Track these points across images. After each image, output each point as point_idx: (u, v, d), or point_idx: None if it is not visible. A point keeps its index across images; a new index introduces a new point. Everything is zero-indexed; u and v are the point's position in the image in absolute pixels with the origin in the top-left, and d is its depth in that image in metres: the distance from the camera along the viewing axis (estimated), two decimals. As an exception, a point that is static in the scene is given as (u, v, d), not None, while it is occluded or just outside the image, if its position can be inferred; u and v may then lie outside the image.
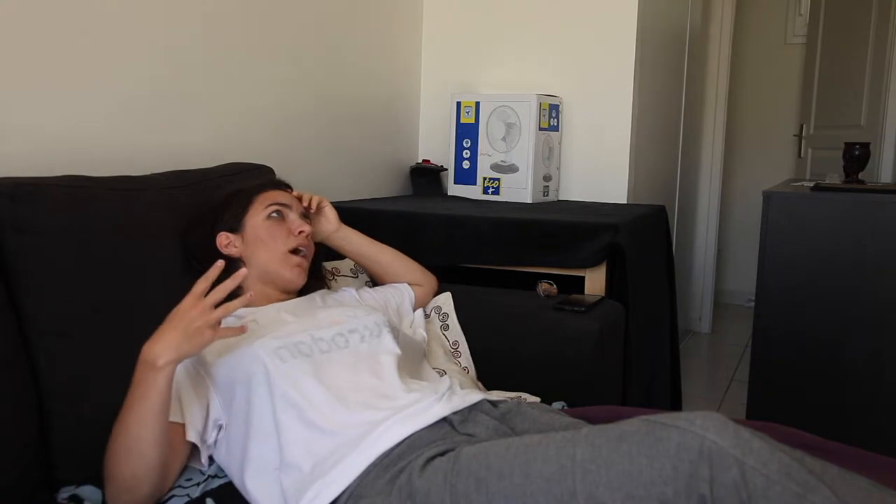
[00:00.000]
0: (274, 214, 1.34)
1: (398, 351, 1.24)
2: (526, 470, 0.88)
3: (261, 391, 1.10)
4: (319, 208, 1.52)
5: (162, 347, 0.98)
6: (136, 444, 0.99)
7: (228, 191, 1.40)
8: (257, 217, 1.33)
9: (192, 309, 1.00)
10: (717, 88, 3.76)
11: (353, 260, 1.61)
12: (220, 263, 1.05)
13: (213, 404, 1.14)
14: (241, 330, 1.05)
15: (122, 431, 1.00)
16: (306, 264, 1.35)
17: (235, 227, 1.33)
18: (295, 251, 1.33)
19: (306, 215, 1.41)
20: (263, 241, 1.31)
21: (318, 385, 1.10)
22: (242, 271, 1.07)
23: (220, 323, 1.02)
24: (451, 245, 1.83)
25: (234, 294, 1.27)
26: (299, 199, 1.47)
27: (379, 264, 1.59)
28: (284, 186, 1.44)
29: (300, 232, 1.33)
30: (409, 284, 1.60)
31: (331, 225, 1.54)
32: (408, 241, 1.81)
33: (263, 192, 1.37)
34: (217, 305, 1.03)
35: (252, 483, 1.08)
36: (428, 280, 1.64)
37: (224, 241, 1.32)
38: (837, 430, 1.98)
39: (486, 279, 2.02)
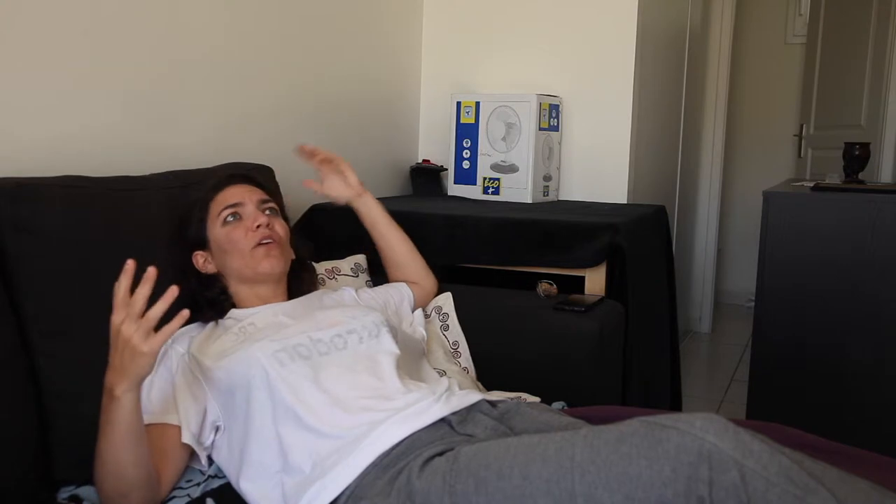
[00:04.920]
0: (229, 219, 1.28)
1: (397, 351, 1.24)
2: (525, 470, 0.88)
3: (260, 395, 1.10)
4: (339, 169, 1.52)
5: (113, 376, 0.94)
6: (115, 467, 0.98)
7: (187, 204, 1.34)
8: (215, 227, 1.28)
9: (123, 324, 0.93)
10: (717, 88, 3.76)
11: (367, 229, 1.58)
12: (129, 268, 0.94)
13: (210, 407, 1.14)
14: (181, 319, 0.94)
15: (100, 456, 0.99)
16: (276, 249, 1.27)
17: (203, 243, 1.30)
18: (258, 244, 1.27)
19: (265, 201, 1.32)
20: (226, 249, 1.27)
21: (317, 390, 1.10)
22: (172, 290, 0.95)
23: (154, 330, 0.93)
24: (451, 245, 1.83)
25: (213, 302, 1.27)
26: (313, 154, 1.49)
27: (388, 244, 1.58)
28: (237, 180, 1.34)
29: (258, 226, 1.27)
30: (408, 283, 1.59)
31: (351, 190, 1.54)
32: (408, 241, 1.80)
33: (215, 197, 1.31)
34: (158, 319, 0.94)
35: (247, 485, 1.08)
36: (428, 279, 1.63)
37: (201, 260, 1.29)
38: (837, 430, 1.98)
39: (486, 279, 2.01)
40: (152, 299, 0.94)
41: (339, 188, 1.54)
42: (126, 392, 0.95)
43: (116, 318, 0.93)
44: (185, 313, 0.95)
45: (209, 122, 1.73)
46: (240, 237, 1.26)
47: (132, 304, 0.93)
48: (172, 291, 0.94)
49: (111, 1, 1.46)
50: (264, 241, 1.26)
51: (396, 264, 1.60)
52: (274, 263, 1.27)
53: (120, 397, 0.94)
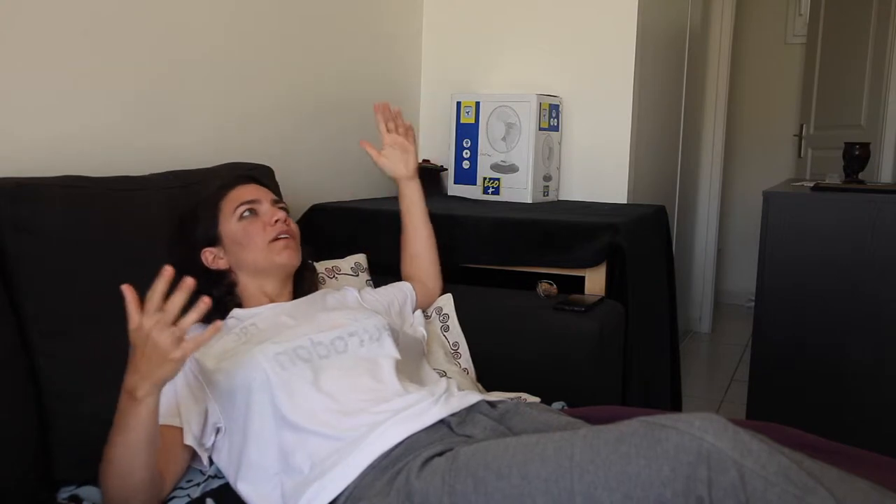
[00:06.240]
0: (245, 214, 1.30)
1: (398, 355, 1.24)
2: (524, 470, 0.88)
3: (261, 398, 1.10)
4: (407, 148, 1.59)
5: (138, 379, 0.94)
6: (125, 469, 0.98)
7: (193, 203, 1.35)
8: (229, 223, 1.30)
9: (153, 330, 0.91)
10: (717, 88, 3.76)
11: (402, 212, 1.64)
12: (167, 273, 0.94)
13: (211, 409, 1.14)
14: (214, 329, 0.95)
15: (111, 457, 0.98)
16: (293, 243, 1.32)
17: (214, 240, 1.30)
18: (276, 238, 1.29)
19: (277, 200, 1.36)
20: (242, 244, 1.28)
21: (317, 394, 1.11)
22: (204, 301, 0.94)
23: (183, 337, 0.93)
24: (451, 245, 1.83)
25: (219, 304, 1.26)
26: (395, 114, 1.58)
27: (415, 232, 1.62)
28: (245, 180, 1.37)
29: (276, 221, 1.30)
30: (413, 281, 1.60)
31: (407, 171, 1.61)
32: (408, 241, 1.81)
33: (227, 195, 1.33)
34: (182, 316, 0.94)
35: (245, 487, 1.09)
36: (435, 280, 1.64)
37: (210, 257, 1.30)
38: (837, 430, 1.98)
39: (486, 279, 2.01)
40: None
41: (397, 164, 1.61)
42: (148, 395, 0.95)
43: (147, 322, 0.91)
44: (219, 324, 0.96)
45: (209, 122, 1.73)
46: (257, 231, 1.29)
47: (167, 310, 0.92)
48: (205, 303, 0.94)
49: (111, 1, 1.46)
50: (281, 236, 1.29)
51: (413, 254, 1.63)
52: (291, 255, 1.30)
53: (142, 400, 0.94)
